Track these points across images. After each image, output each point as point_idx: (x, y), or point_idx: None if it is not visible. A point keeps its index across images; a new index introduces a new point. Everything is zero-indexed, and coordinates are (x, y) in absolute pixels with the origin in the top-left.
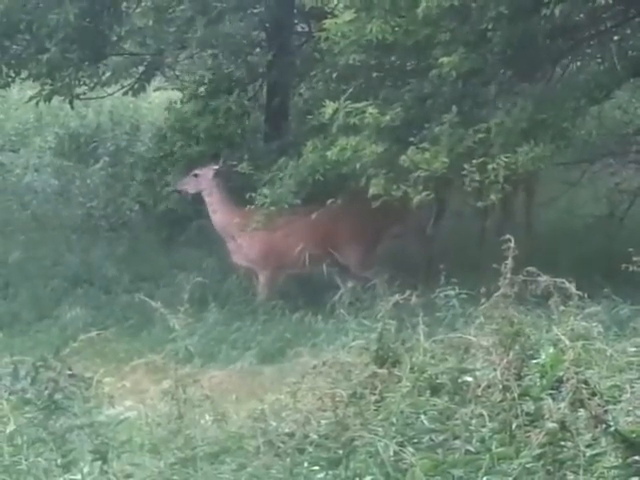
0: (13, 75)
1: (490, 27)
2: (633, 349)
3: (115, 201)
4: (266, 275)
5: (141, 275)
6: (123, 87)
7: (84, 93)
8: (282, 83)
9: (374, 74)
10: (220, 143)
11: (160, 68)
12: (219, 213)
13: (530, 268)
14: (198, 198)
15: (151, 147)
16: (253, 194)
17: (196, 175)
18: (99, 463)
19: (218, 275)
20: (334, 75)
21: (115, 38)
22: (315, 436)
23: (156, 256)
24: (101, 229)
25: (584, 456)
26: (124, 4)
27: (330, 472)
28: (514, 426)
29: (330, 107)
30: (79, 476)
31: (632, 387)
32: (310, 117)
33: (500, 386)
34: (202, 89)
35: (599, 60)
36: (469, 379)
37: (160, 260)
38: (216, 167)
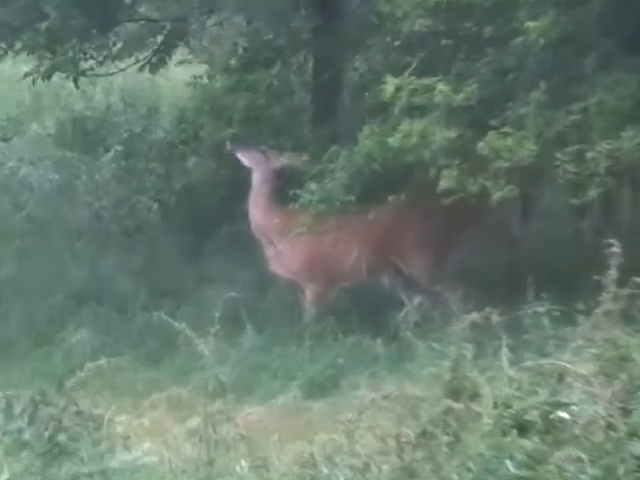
0: (5, 47)
1: None
2: None
3: (129, 200)
4: (313, 290)
5: (161, 290)
6: (138, 61)
7: (91, 69)
8: (332, 54)
9: (444, 43)
10: (259, 127)
11: (183, 37)
12: (259, 209)
13: (638, 279)
14: (236, 187)
15: (171, 132)
16: (297, 190)
17: (264, 153)
18: None
19: (255, 290)
20: (396, 44)
21: (128, 1)
22: None
23: (179, 267)
24: (112, 234)
25: None
26: None
27: None
28: (620, 472)
29: (391, 84)
30: None
31: None
32: (367, 96)
33: (603, 423)
34: (235, 61)
35: None
36: (564, 415)
37: (184, 271)
38: (282, 158)
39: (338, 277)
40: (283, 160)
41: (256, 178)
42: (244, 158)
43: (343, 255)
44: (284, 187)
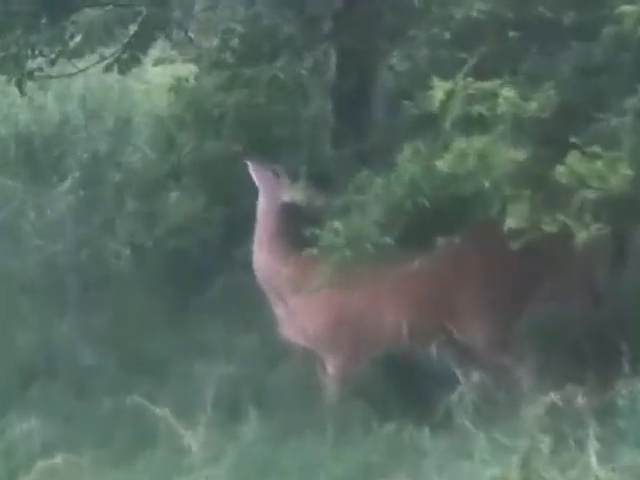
0: None
1: None
2: None
3: (92, 243)
4: (338, 362)
5: (136, 363)
6: (103, 59)
7: (40, 69)
8: (361, 49)
9: (511, 34)
10: (260, 136)
11: (163, 27)
12: (266, 253)
13: None
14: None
15: (148, 152)
16: (316, 229)
17: (276, 174)
18: None
19: (260, 362)
20: (446, 36)
21: None
22: None
23: (159, 332)
24: (70, 289)
25: None
26: None
27: None
28: None
29: (441, 88)
30: None
31: None
32: (407, 104)
33: None
34: (228, 54)
35: None
36: None
37: (166, 338)
38: (295, 192)
39: (370, 346)
40: (296, 195)
41: (262, 208)
42: (255, 174)
43: (377, 317)
44: (299, 224)
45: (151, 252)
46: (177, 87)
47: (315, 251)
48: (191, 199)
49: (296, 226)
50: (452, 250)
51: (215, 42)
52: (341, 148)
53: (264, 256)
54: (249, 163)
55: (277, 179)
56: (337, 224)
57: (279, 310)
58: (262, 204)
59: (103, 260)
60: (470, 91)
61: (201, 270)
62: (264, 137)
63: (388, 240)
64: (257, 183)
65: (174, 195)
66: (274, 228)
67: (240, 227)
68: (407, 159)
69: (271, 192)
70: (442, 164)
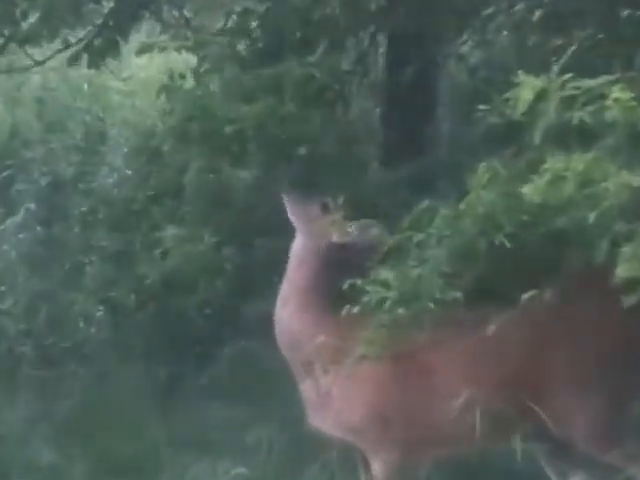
0: None
1: None
2: None
3: (53, 300)
4: (387, 460)
5: (111, 464)
6: (68, 47)
7: None
8: (420, 34)
9: (625, 13)
10: (283, 161)
11: (148, 4)
12: (293, 310)
13: None
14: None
15: (129, 176)
16: (358, 281)
17: (325, 207)
18: None
19: (280, 463)
20: (536, 16)
21: None
22: None
23: (144, 422)
24: (25, 364)
25: None
26: None
27: None
28: None
29: (529, 86)
30: None
31: None
32: (483, 109)
33: None
34: (243, 45)
35: None
36: None
37: (152, 431)
38: (354, 227)
39: (431, 441)
40: (356, 231)
41: (298, 253)
42: (293, 209)
43: (440, 400)
44: (339, 273)
45: (133, 313)
46: (171, 87)
47: (358, 310)
48: (192, 239)
49: (336, 277)
50: (541, 309)
51: (223, 24)
52: (393, 169)
53: (291, 315)
54: (286, 197)
55: (325, 215)
56: (387, 273)
57: (307, 390)
58: (299, 248)
59: (67, 323)
60: (567, 91)
61: (201, 338)
62: (294, 157)
63: (456, 295)
64: (295, 221)
65: (169, 234)
66: (310, 279)
67: (256, 277)
68: (482, 184)
69: (315, 232)
70: (529, 191)
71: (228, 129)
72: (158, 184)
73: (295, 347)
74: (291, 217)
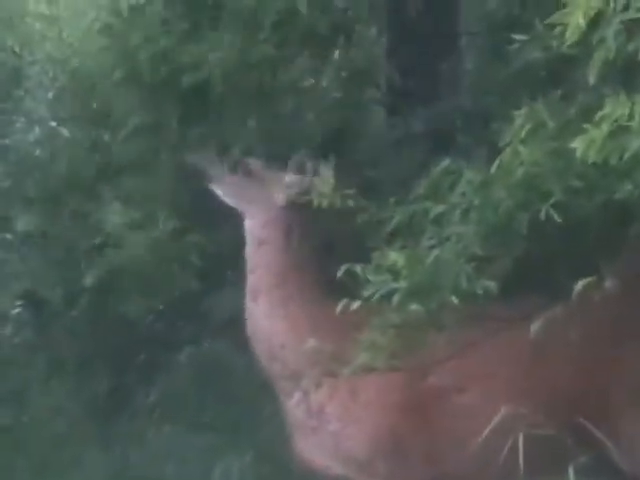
0: None
1: None
2: None
3: None
4: None
5: None
6: None
7: None
8: None
9: None
10: (257, 116)
11: None
12: (267, 307)
13: None
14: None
15: (61, 133)
16: (359, 265)
17: (301, 167)
18: None
19: None
20: None
21: None
22: None
23: (76, 456)
24: None
25: None
26: None
27: None
28: None
29: (579, 8)
30: None
31: None
32: (519, 39)
33: None
34: None
35: None
36: None
37: (88, 466)
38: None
39: (459, 474)
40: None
41: (256, 233)
42: (251, 175)
43: (471, 421)
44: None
45: (62, 311)
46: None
47: (358, 304)
48: (145, 223)
49: (312, 255)
50: (600, 302)
51: None
52: (402, 119)
53: (265, 314)
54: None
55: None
56: (396, 255)
57: (294, 409)
58: (251, 228)
59: None
60: (633, 14)
61: (151, 341)
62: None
63: (489, 285)
64: (235, 198)
65: (112, 213)
66: (278, 262)
67: (222, 263)
68: (521, 138)
69: (267, 201)
70: (582, 146)
71: (187, 77)
72: (95, 144)
73: (275, 356)
74: (229, 197)
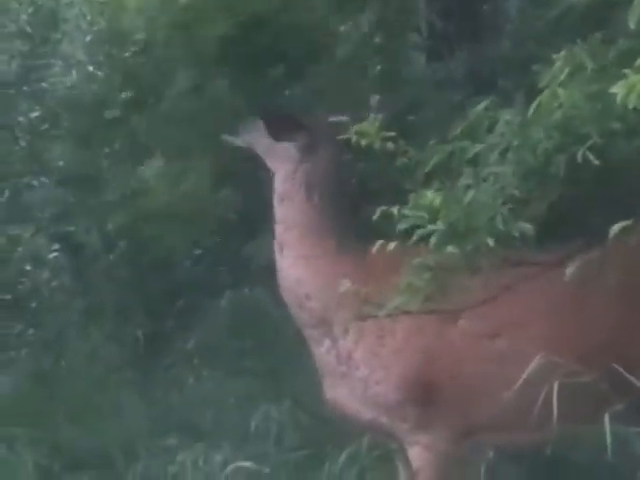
0: None
1: None
2: None
3: None
4: (431, 447)
5: (73, 455)
6: None
7: None
8: None
9: None
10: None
11: None
12: (290, 257)
13: None
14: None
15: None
16: (391, 207)
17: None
18: None
19: (296, 449)
20: None
21: None
22: None
23: (115, 401)
24: None
25: None
26: None
27: None
28: None
29: None
30: None
31: None
32: None
33: None
34: None
35: None
36: None
37: (126, 411)
38: (331, 120)
39: (491, 419)
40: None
41: (276, 187)
42: (242, 138)
43: (505, 366)
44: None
45: (98, 255)
46: None
47: (393, 245)
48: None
49: (349, 209)
50: (633, 246)
51: None
52: (442, 63)
53: (291, 264)
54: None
55: (307, 134)
56: (432, 195)
57: (324, 358)
58: (278, 179)
59: (8, 267)
60: None
61: (189, 287)
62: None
63: (525, 227)
64: (264, 151)
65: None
66: (303, 218)
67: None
68: (560, 81)
69: (291, 156)
70: (622, 91)
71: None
72: (135, 88)
73: (302, 305)
74: (261, 154)
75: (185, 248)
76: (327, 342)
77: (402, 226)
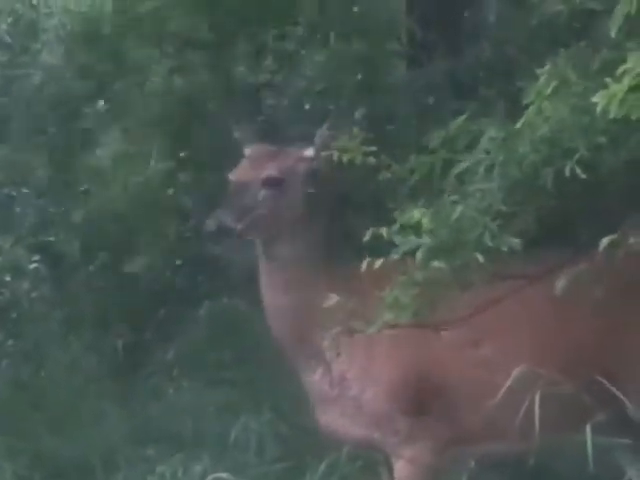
0: None
1: None
2: None
3: None
4: (417, 459)
5: (53, 465)
6: None
7: None
8: None
9: None
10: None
11: None
12: (286, 276)
13: None
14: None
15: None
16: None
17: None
18: None
19: (276, 461)
20: None
21: None
22: None
23: (95, 411)
24: None
25: None
26: None
27: None
28: None
29: None
30: None
31: None
32: None
33: None
34: None
35: None
36: None
37: (106, 422)
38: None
39: (476, 430)
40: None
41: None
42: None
43: (490, 377)
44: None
45: (79, 268)
46: None
47: (381, 262)
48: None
49: (336, 224)
50: (624, 259)
51: None
52: (421, 70)
53: (285, 296)
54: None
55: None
56: (419, 213)
57: (317, 385)
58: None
59: None
60: None
61: (169, 297)
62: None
63: (513, 242)
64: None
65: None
66: (297, 212)
67: None
68: (545, 93)
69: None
70: (603, 100)
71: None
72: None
73: (291, 317)
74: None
75: (155, 241)
76: (320, 369)
77: (396, 254)
